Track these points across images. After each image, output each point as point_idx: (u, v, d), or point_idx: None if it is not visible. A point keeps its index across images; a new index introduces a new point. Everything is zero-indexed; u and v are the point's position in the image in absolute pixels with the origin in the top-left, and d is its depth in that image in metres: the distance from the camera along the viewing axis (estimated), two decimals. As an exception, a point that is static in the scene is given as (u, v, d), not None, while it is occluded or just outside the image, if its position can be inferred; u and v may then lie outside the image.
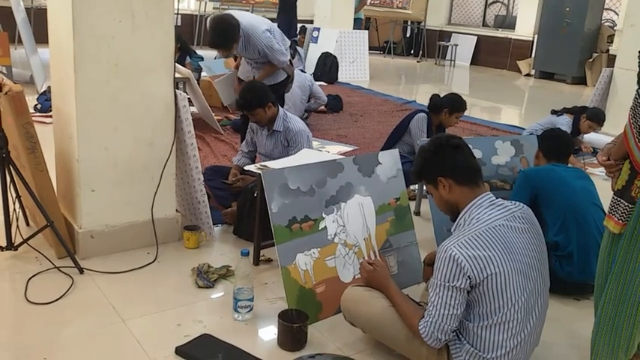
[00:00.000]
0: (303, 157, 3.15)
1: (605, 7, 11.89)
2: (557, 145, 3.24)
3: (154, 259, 3.00)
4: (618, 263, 1.95)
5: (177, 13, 13.70)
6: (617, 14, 12.03)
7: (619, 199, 1.93)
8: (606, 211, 2.00)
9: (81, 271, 2.81)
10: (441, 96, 4.55)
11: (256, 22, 4.20)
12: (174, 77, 3.08)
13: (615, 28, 11.47)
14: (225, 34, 4.00)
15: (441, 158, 2.11)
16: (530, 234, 2.05)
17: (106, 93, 2.86)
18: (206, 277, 2.78)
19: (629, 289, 1.95)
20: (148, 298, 2.68)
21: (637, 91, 1.81)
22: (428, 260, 2.60)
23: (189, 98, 6.23)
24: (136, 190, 3.06)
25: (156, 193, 3.08)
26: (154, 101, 3.00)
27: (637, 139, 1.80)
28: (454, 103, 4.45)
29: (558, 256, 2.89)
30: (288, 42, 4.55)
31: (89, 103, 2.83)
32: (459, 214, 2.07)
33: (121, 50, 2.85)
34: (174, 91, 3.06)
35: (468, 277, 1.87)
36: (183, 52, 6.88)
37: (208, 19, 4.28)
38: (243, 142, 3.86)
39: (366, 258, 2.69)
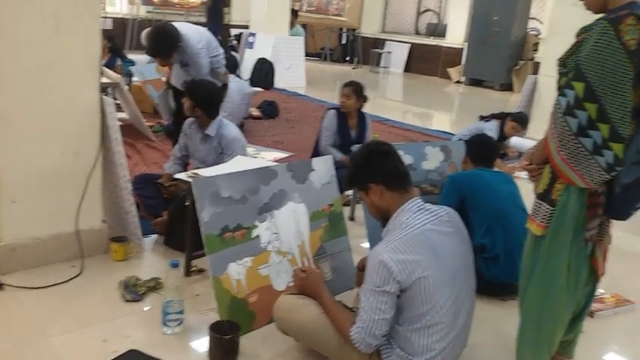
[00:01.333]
0: (236, 164, 3.10)
1: (531, 16, 12.42)
2: (483, 150, 3.34)
3: (79, 273, 2.88)
4: (540, 264, 2.02)
5: (109, 17, 13.35)
6: (541, 23, 12.58)
7: (541, 202, 2.00)
8: (529, 214, 2.07)
9: (1, 286, 2.67)
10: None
11: (193, 35, 4.22)
12: (100, 82, 2.97)
13: (540, 36, 12.00)
14: (165, 43, 4.04)
15: (371, 164, 2.12)
16: (457, 237, 2.09)
17: (27, 99, 2.73)
18: (134, 290, 2.68)
19: (550, 289, 2.02)
20: (72, 314, 2.56)
21: (557, 97, 1.88)
22: (360, 265, 2.61)
23: (118, 104, 6.09)
24: (60, 201, 2.93)
25: (81, 203, 2.96)
26: (78, 107, 2.89)
27: (557, 144, 1.87)
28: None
29: (484, 258, 2.97)
30: (221, 50, 4.52)
31: (9, 110, 2.69)
32: (389, 220, 2.09)
33: (44, 53, 2.73)
34: (101, 97, 2.95)
35: (398, 281, 1.89)
36: (114, 54, 6.67)
37: (147, 29, 4.31)
38: (176, 146, 3.77)
39: (300, 265, 2.67)
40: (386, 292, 1.90)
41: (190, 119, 3.60)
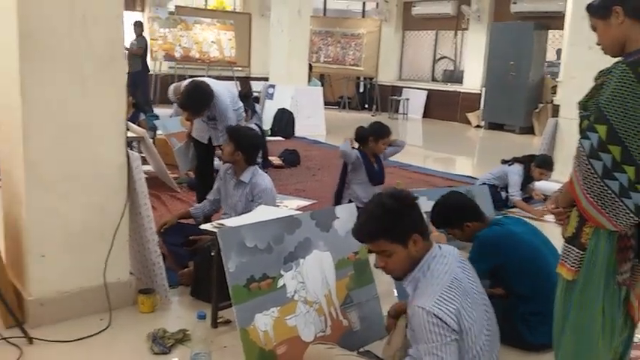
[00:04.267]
0: (260, 213, 3.12)
1: (547, 59, 12.50)
2: (472, 206, 3.06)
3: (107, 326, 2.89)
4: (574, 311, 1.98)
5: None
6: (557, 67, 12.65)
7: (570, 246, 1.98)
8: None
9: (30, 341, 2.69)
10: (365, 127, 4.69)
11: (222, 91, 4.42)
12: (126, 138, 3.05)
13: (557, 79, 12.05)
14: (200, 100, 4.22)
15: (411, 214, 2.07)
16: (473, 277, 2.09)
17: (55, 157, 2.81)
18: (162, 343, 2.68)
19: (585, 336, 1.97)
20: (101, 367, 2.56)
21: (579, 140, 1.88)
22: (392, 312, 2.58)
23: (143, 157, 6.21)
24: (88, 254, 2.97)
25: (108, 256, 3.00)
26: (105, 164, 2.96)
27: (582, 187, 1.86)
28: (376, 131, 4.58)
29: (528, 320, 2.80)
30: (241, 103, 4.72)
31: (38, 168, 2.77)
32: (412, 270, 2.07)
33: (71, 114, 2.82)
34: (127, 152, 3.03)
35: (454, 330, 1.87)
36: (137, 110, 6.86)
37: (176, 83, 4.63)
38: (211, 191, 3.86)
39: (327, 315, 2.65)
40: (452, 340, 1.86)
41: (227, 165, 3.70)
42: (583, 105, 1.94)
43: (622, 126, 1.77)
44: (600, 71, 1.93)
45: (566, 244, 2.00)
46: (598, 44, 1.99)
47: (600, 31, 1.97)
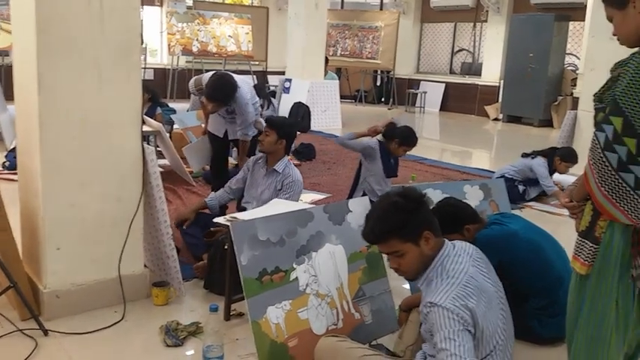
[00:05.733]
0: (273, 207, 3.13)
1: (567, 51, 12.32)
2: (467, 211, 2.92)
3: (122, 318, 2.92)
4: (587, 305, 1.95)
5: (150, 67, 13.86)
6: (578, 58, 12.47)
7: (584, 240, 1.95)
8: (572, 252, 2.02)
9: (45, 332, 2.72)
10: (398, 126, 4.63)
11: (243, 85, 4.43)
12: (142, 131, 3.07)
13: (577, 71, 11.87)
14: (227, 91, 4.25)
15: (423, 211, 2.05)
16: (490, 272, 2.07)
17: (71, 149, 2.83)
18: (175, 335, 2.70)
19: (599, 331, 1.94)
20: (115, 359, 2.58)
21: (594, 133, 1.85)
22: (404, 306, 2.57)
23: (160, 151, 6.25)
24: (103, 247, 2.99)
25: (123, 249, 3.02)
26: (121, 156, 2.98)
27: (597, 180, 1.83)
28: (405, 137, 4.55)
29: (539, 315, 2.79)
30: (257, 98, 4.70)
31: (54, 159, 2.80)
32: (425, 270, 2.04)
33: (88, 105, 2.84)
34: (142, 145, 3.04)
35: (470, 324, 1.84)
36: (154, 104, 6.90)
37: (198, 76, 4.67)
38: (233, 178, 3.87)
39: (339, 308, 2.65)
40: (468, 330, 1.82)
41: (256, 156, 3.75)
42: (599, 97, 1.91)
43: (638, 118, 1.73)
44: (617, 63, 1.89)
45: (580, 238, 1.97)
46: (614, 34, 1.95)
47: (617, 22, 1.92)
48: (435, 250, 2.03)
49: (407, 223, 1.99)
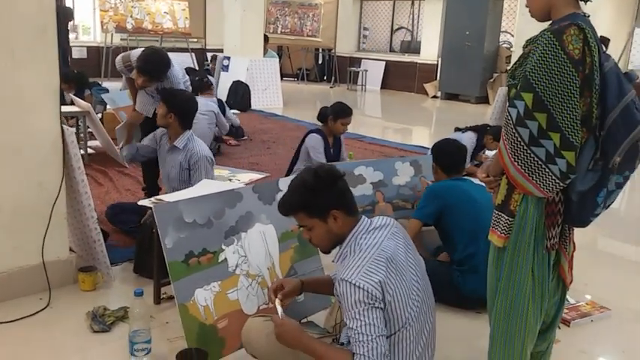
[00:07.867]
0: (203, 188, 3.08)
1: (502, 29, 12.60)
2: (452, 159, 3.38)
3: (47, 305, 2.83)
4: (504, 276, 2.02)
5: (83, 45, 13.34)
6: (512, 36, 12.77)
7: (500, 213, 2.01)
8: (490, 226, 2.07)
9: (-36, 324, 2.61)
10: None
11: (176, 66, 4.29)
12: (64, 112, 2.95)
13: (512, 49, 12.17)
14: (159, 64, 4.06)
15: (335, 190, 2.05)
16: (407, 248, 2.08)
17: (-16, 131, 2.69)
18: (101, 321, 2.64)
19: (516, 301, 2.01)
20: (41, 347, 2.52)
21: (507, 109, 1.89)
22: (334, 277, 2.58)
23: (91, 132, 6.04)
24: (25, 233, 2.88)
25: (46, 234, 2.92)
26: (39, 139, 2.86)
27: (510, 155, 1.88)
28: (336, 110, 4.57)
29: (462, 270, 2.96)
30: (187, 77, 4.58)
31: (-33, 143, 2.66)
32: (340, 245, 2.06)
33: (1, 87, 2.70)
34: (62, 127, 2.92)
35: (381, 300, 1.86)
36: (81, 85, 6.68)
37: (135, 52, 4.31)
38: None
39: (270, 286, 2.64)
40: (375, 307, 1.84)
41: (162, 129, 3.60)
42: (511, 73, 1.95)
43: (547, 93, 1.78)
44: (528, 39, 1.93)
45: (496, 212, 2.03)
46: (526, 6, 2.00)
47: None
48: (345, 229, 2.04)
49: (314, 201, 2.03)
